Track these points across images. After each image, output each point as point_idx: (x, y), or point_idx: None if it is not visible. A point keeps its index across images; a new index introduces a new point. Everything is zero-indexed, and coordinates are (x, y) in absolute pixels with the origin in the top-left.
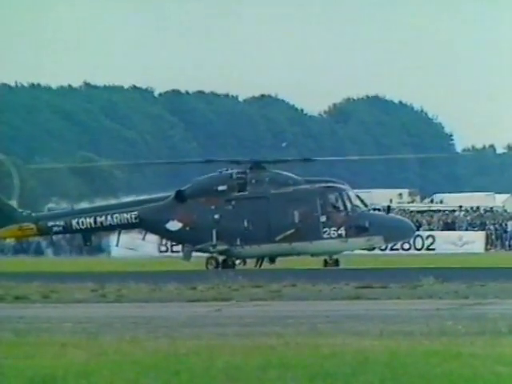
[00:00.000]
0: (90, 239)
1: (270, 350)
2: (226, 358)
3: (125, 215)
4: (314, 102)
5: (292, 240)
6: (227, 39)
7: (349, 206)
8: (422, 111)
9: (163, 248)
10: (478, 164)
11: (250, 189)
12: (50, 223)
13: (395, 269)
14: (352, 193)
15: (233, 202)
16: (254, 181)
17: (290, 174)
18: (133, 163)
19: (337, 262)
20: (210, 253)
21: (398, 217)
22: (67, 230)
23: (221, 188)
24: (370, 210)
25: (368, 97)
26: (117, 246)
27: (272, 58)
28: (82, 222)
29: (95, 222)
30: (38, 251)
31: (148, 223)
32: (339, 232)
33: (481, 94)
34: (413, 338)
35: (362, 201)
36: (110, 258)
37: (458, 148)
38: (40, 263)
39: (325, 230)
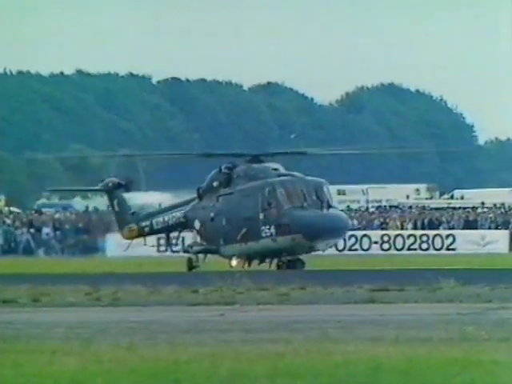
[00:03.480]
0: (168, 239)
1: (278, 358)
2: (229, 366)
3: (178, 214)
4: (325, 90)
5: (246, 240)
6: (230, 23)
7: (281, 203)
8: (441, 100)
9: (162, 248)
10: (501, 157)
11: (232, 185)
12: (143, 224)
13: (412, 270)
14: (302, 187)
15: (220, 199)
16: (235, 176)
17: (267, 167)
18: (125, 154)
19: (295, 264)
20: (188, 253)
21: (333, 213)
22: (152, 230)
23: (215, 184)
24: (326, 207)
25: (383, 85)
26: (176, 245)
27: (279, 42)
28: (158, 221)
29: (163, 221)
30: (28, 251)
31: (189, 222)
32: (271, 231)
33: (505, 82)
34: (431, 344)
35: (324, 196)
36: (105, 258)
37: (481, 140)
38: (30, 264)
39: (262, 228)
